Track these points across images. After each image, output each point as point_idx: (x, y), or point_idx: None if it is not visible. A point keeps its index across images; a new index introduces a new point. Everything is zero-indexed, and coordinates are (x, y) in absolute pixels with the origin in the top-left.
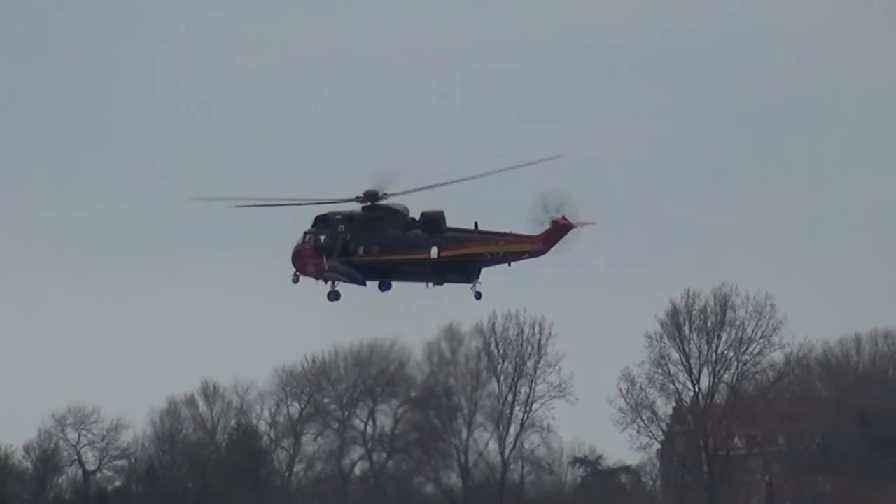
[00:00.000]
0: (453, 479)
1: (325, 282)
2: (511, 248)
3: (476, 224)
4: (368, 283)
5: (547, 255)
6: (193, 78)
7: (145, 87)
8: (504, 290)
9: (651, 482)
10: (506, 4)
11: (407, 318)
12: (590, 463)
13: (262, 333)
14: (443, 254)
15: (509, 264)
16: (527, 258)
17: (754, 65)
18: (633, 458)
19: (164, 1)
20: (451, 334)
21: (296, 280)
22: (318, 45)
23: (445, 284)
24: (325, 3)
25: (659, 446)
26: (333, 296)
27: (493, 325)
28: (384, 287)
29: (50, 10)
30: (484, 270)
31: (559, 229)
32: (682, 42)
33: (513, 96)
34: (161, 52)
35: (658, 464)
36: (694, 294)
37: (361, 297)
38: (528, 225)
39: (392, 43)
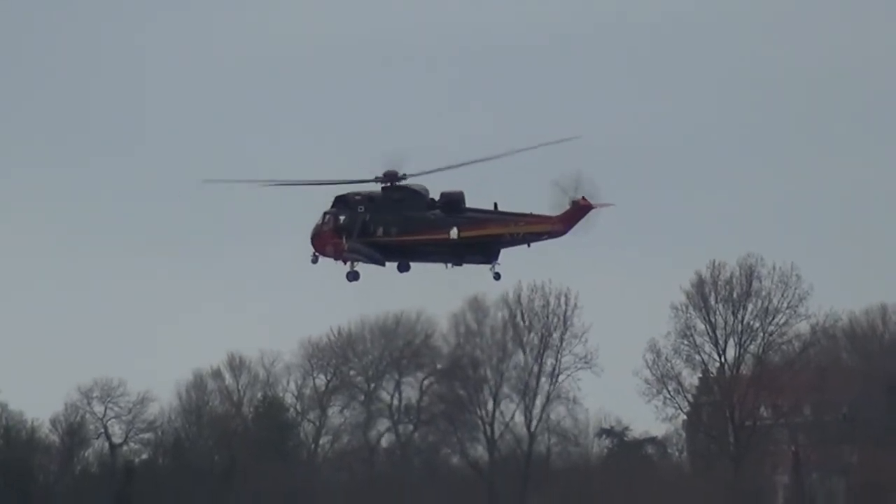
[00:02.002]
0: (479, 450)
1: (344, 262)
2: (531, 229)
3: (496, 205)
4: (387, 263)
5: (567, 235)
6: (208, 61)
7: (165, 72)
8: (529, 261)
9: (677, 453)
10: None
11: (432, 291)
12: (616, 434)
13: (287, 306)
14: (462, 234)
15: (528, 245)
16: (546, 239)
17: (776, 38)
18: (659, 429)
19: None
20: (477, 306)
21: (315, 260)
22: (330, 27)
23: (464, 265)
24: None
25: (685, 417)
26: (352, 276)
27: (519, 296)
28: (403, 268)
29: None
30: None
31: (579, 210)
32: (705, 17)
33: (532, 77)
34: (174, 34)
35: (684, 435)
36: (720, 265)
37: (383, 273)
38: (548, 206)
39: (405, 23)
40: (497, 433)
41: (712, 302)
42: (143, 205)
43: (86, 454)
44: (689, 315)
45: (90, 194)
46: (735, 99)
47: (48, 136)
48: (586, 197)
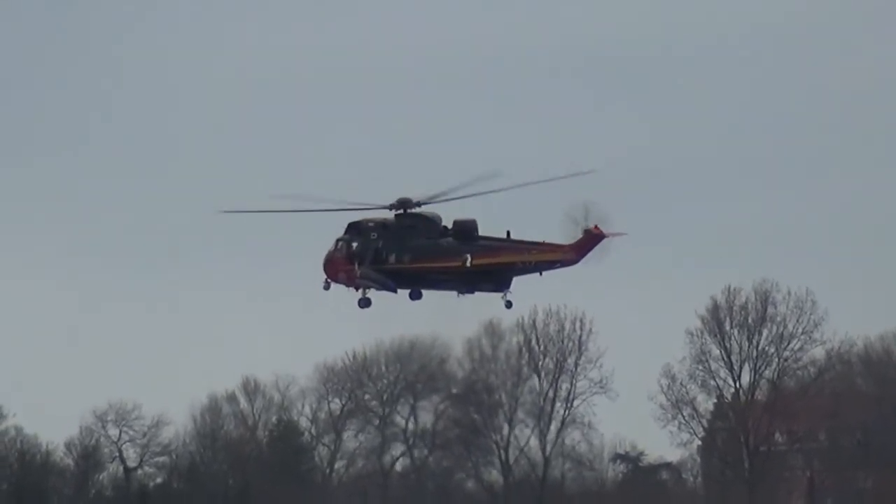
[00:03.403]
0: (494, 475)
1: (356, 289)
2: (543, 258)
3: (508, 233)
4: (399, 291)
5: (579, 264)
6: (223, 83)
7: (166, 93)
8: (545, 286)
9: (692, 478)
10: (531, 8)
11: (447, 316)
12: (631, 459)
13: (303, 330)
14: (474, 262)
15: (541, 273)
16: (559, 267)
17: (792, 59)
18: (673, 455)
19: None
20: (492, 330)
21: (327, 287)
22: (340, 49)
23: (476, 293)
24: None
25: (700, 442)
26: (364, 303)
27: (534, 321)
28: (415, 296)
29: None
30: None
31: (591, 239)
32: (716, 37)
33: (541, 101)
34: (180, 58)
35: (699, 460)
36: (735, 290)
37: (395, 300)
38: (560, 234)
39: (415, 44)
40: (512, 458)
41: (727, 327)
42: (159, 229)
43: (100, 478)
44: (704, 340)
45: (106, 217)
46: (749, 124)
47: (62, 160)
48: (599, 226)
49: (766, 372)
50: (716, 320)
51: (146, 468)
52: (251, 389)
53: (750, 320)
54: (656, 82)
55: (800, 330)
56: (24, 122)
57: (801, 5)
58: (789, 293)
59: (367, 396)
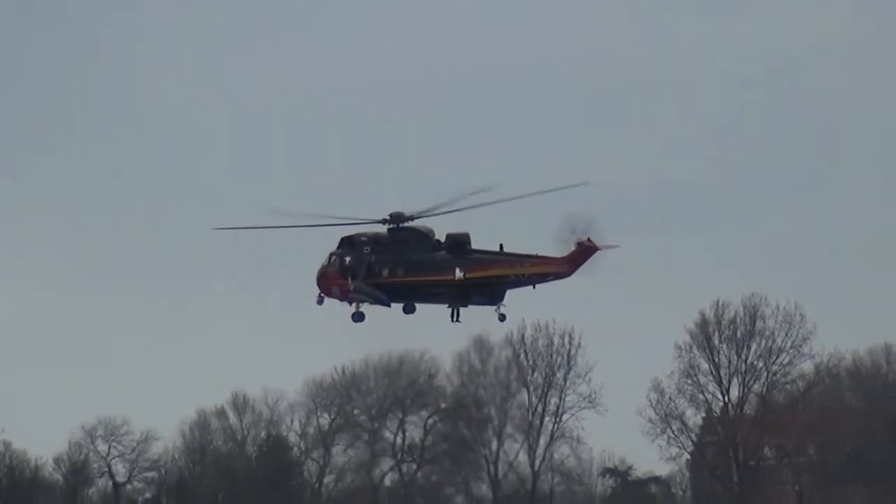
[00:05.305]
0: (483, 489)
1: (350, 303)
2: (536, 270)
3: (501, 246)
4: (393, 304)
5: (572, 276)
6: (220, 101)
7: (163, 109)
8: (534, 300)
9: (681, 492)
10: (532, 24)
11: (436, 330)
12: (620, 473)
13: (291, 345)
14: (468, 276)
15: (534, 286)
16: (552, 280)
17: (779, 76)
18: (662, 469)
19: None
20: (481, 345)
21: (320, 301)
22: (336, 65)
23: (469, 306)
24: (341, 24)
25: (689, 457)
26: (357, 317)
27: (523, 335)
28: (408, 310)
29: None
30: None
31: (584, 251)
32: (705, 56)
33: (532, 116)
34: (178, 80)
35: (688, 474)
36: (723, 304)
37: (388, 314)
38: (553, 247)
39: (413, 62)
40: (501, 472)
41: (716, 341)
42: (149, 245)
43: (89, 493)
44: (692, 355)
45: (95, 233)
46: (739, 140)
47: (56, 177)
48: (592, 238)
49: (755, 386)
50: (704, 334)
51: (135, 483)
52: (240, 404)
53: (739, 334)
54: (648, 98)
55: (788, 344)
56: (21, 131)
57: (797, 25)
58: (778, 307)
59: (356, 411)
